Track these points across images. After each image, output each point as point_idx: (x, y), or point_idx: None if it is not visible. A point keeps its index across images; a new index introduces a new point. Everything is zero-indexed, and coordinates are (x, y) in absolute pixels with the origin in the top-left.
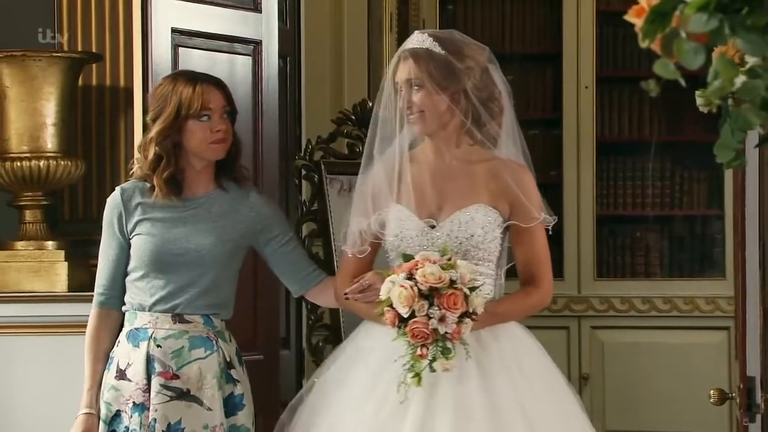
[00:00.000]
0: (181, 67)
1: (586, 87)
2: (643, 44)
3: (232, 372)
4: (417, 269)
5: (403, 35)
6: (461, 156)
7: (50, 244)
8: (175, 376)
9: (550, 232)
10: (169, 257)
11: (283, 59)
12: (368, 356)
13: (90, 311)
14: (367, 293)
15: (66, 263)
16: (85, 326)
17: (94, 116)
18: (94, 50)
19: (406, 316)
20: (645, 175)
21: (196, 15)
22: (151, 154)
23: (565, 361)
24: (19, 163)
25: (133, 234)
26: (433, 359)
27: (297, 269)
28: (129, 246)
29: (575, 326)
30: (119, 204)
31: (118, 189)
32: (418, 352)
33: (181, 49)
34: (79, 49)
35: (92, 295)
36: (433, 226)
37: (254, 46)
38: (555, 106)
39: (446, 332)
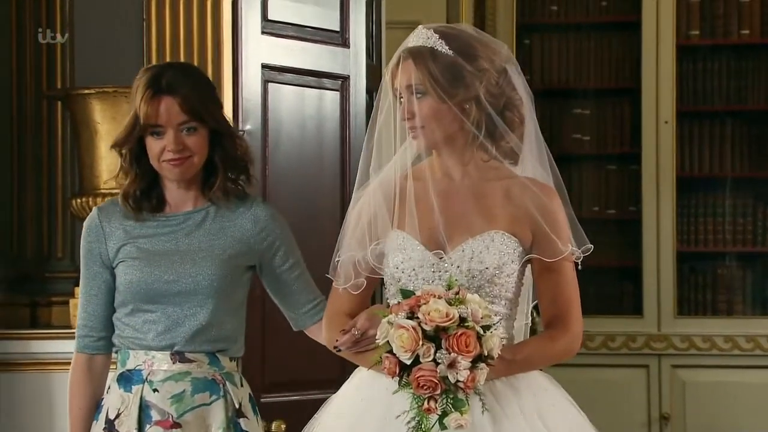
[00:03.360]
0: (272, 104)
1: (666, 122)
2: None
3: (242, 422)
4: (419, 306)
5: None
6: (474, 174)
7: None
8: (176, 425)
9: (580, 267)
10: (160, 286)
11: (370, 94)
12: (364, 416)
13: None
14: (362, 342)
15: None
16: None
17: None
18: None
19: (408, 362)
20: (726, 211)
21: (286, 51)
22: (126, 169)
23: (645, 400)
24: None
25: (116, 262)
26: (444, 414)
27: (301, 300)
28: (113, 277)
29: (655, 365)
30: (97, 227)
31: (94, 210)
32: (425, 405)
33: (270, 85)
34: None
35: None
36: (440, 257)
37: (342, 82)
38: (633, 141)
39: (458, 380)
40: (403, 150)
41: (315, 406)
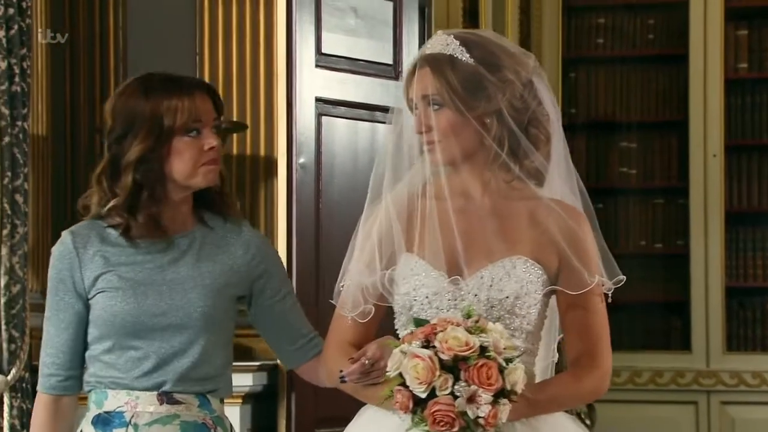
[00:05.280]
0: (326, 137)
1: (714, 155)
2: None
3: None
4: (436, 334)
5: None
6: (496, 194)
7: None
8: None
9: (610, 299)
10: (148, 320)
11: None
12: None
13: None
14: (372, 374)
15: None
16: (230, 396)
17: (234, 185)
18: (234, 119)
19: (423, 396)
20: None
21: (339, 84)
22: (127, 185)
23: None
24: None
25: (94, 292)
26: None
27: (294, 334)
28: (87, 309)
29: (704, 401)
30: (71, 253)
31: (66, 234)
32: None
33: (324, 118)
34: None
35: (236, 366)
36: (456, 284)
37: None
38: (681, 175)
39: (478, 417)
40: (418, 166)
41: None
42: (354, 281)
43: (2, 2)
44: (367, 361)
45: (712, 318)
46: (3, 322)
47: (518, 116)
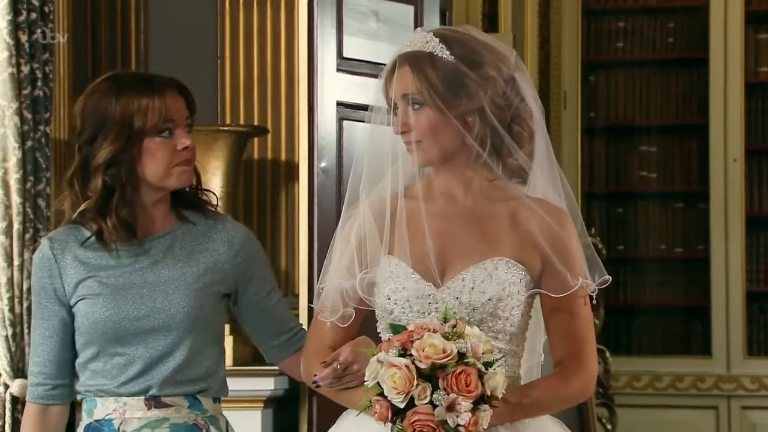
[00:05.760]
0: (347, 141)
1: (735, 160)
2: None
3: None
4: (413, 342)
5: (545, 109)
6: (477, 194)
7: None
8: None
9: (594, 301)
10: (129, 324)
11: None
12: None
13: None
14: (345, 378)
15: (231, 337)
16: (251, 401)
17: (255, 189)
18: (255, 123)
19: (402, 406)
20: None
21: (360, 88)
22: (97, 188)
23: None
24: None
25: (75, 299)
26: None
27: (279, 329)
28: (71, 316)
29: (725, 406)
30: (50, 260)
31: (45, 240)
32: None
33: (345, 122)
34: (242, 122)
35: (258, 370)
36: (437, 287)
37: None
38: (701, 179)
39: (458, 425)
40: (397, 167)
41: None
42: (333, 284)
43: (24, 7)
44: (339, 366)
45: (733, 322)
46: (26, 326)
47: (501, 114)
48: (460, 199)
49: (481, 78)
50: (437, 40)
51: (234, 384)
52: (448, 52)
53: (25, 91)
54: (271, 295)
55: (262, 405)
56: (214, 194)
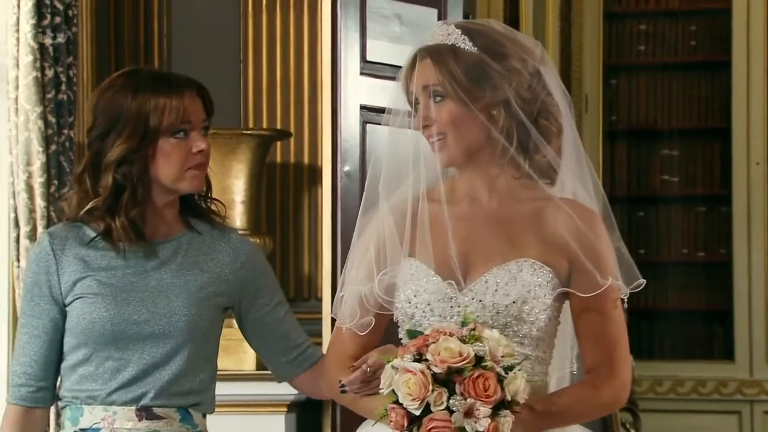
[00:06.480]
0: (370, 144)
1: (758, 163)
2: None
3: None
4: (428, 346)
5: None
6: (503, 194)
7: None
8: None
9: (626, 305)
10: (128, 328)
11: None
12: None
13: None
14: (373, 383)
15: None
16: (274, 405)
17: (278, 193)
18: (278, 127)
19: (417, 413)
20: None
21: (384, 91)
22: (108, 185)
23: None
24: None
25: (71, 298)
26: None
27: (288, 345)
28: (64, 316)
29: (747, 411)
30: (49, 255)
31: (44, 235)
32: None
33: (368, 126)
34: (265, 126)
35: None
36: (459, 289)
37: None
38: (723, 183)
39: (477, 431)
40: (419, 169)
41: None
42: (352, 290)
43: (49, 11)
44: (368, 369)
45: (756, 327)
46: None
47: (527, 107)
48: (484, 202)
49: (506, 70)
50: (459, 31)
51: (258, 389)
52: (470, 44)
53: (49, 95)
54: (278, 308)
55: (285, 409)
56: (223, 205)
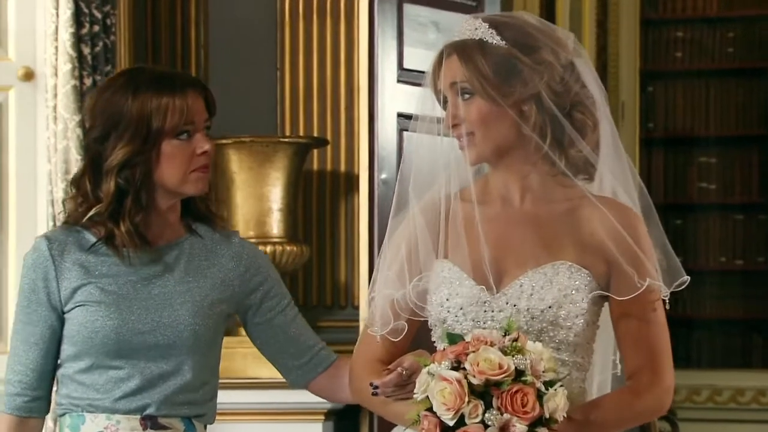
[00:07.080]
0: (406, 152)
1: None
2: None
3: None
4: (467, 354)
5: None
6: (538, 193)
7: None
8: None
9: (668, 306)
10: (133, 337)
11: None
12: None
13: None
14: (408, 387)
15: None
16: (312, 413)
17: (314, 201)
18: (315, 135)
19: (451, 423)
20: None
21: None
22: (110, 191)
23: None
24: None
25: (71, 305)
26: None
27: (300, 348)
28: (62, 323)
29: None
30: (47, 260)
31: (41, 240)
32: None
33: (405, 133)
34: (301, 133)
35: None
36: (493, 293)
37: None
38: (761, 190)
39: None
40: (450, 171)
41: None
42: (382, 294)
43: (87, 20)
44: (404, 372)
45: None
46: None
47: (559, 101)
48: (517, 203)
49: (536, 63)
50: (486, 25)
51: (295, 396)
52: (498, 38)
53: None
54: (286, 311)
55: (323, 417)
56: (225, 211)
